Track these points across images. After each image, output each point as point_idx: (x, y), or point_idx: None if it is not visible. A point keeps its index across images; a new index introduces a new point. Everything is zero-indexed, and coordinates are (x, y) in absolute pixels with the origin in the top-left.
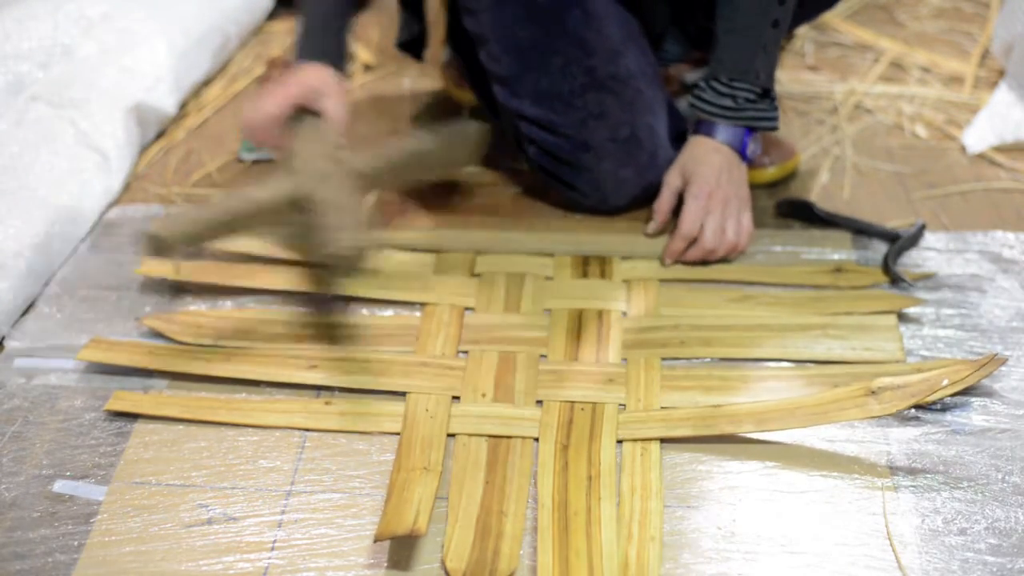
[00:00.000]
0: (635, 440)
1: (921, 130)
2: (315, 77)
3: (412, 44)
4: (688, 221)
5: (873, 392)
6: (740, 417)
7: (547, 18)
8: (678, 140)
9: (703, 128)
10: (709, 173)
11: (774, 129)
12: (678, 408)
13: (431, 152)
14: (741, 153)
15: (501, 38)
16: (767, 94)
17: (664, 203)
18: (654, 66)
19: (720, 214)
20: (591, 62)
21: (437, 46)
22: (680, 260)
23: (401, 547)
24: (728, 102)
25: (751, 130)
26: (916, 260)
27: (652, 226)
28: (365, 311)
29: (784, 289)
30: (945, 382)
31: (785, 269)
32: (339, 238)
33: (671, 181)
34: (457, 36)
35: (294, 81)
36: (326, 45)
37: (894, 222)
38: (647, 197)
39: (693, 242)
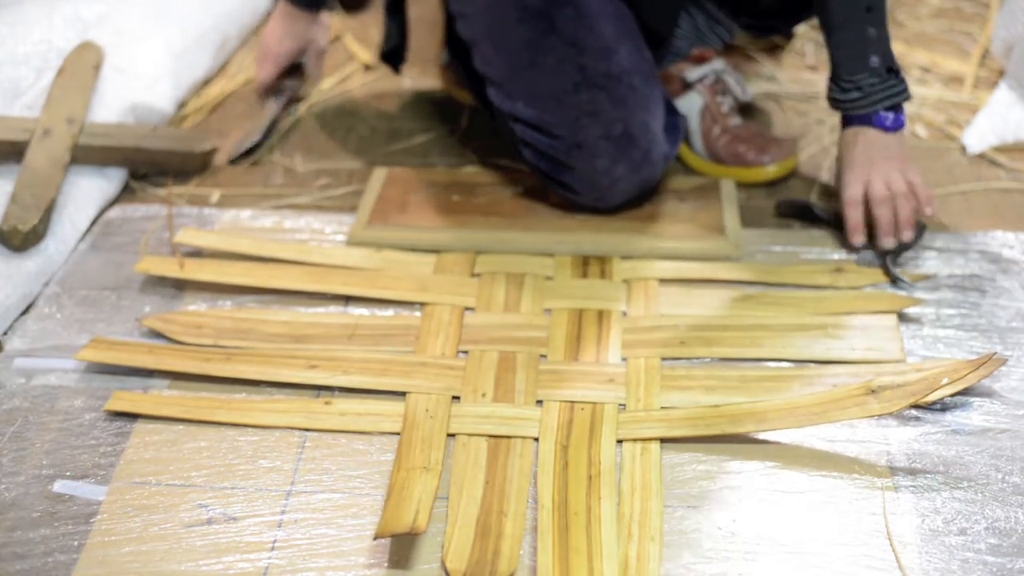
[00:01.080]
0: (635, 440)
1: (921, 130)
2: (301, 35)
3: (392, 55)
4: (870, 203)
5: (873, 391)
6: (740, 417)
7: (538, 18)
8: (672, 134)
9: (847, 124)
10: (862, 162)
11: (906, 99)
12: (678, 408)
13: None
14: (886, 127)
15: (493, 40)
16: (891, 70)
17: (853, 220)
18: (649, 62)
19: (883, 178)
20: (583, 60)
21: (437, 47)
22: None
23: (401, 547)
24: (856, 94)
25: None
26: (916, 260)
27: (858, 238)
28: (365, 311)
29: (784, 289)
30: (945, 381)
31: (785, 269)
32: None
33: (850, 195)
34: (454, 40)
35: (283, 48)
36: None
37: None
38: (644, 194)
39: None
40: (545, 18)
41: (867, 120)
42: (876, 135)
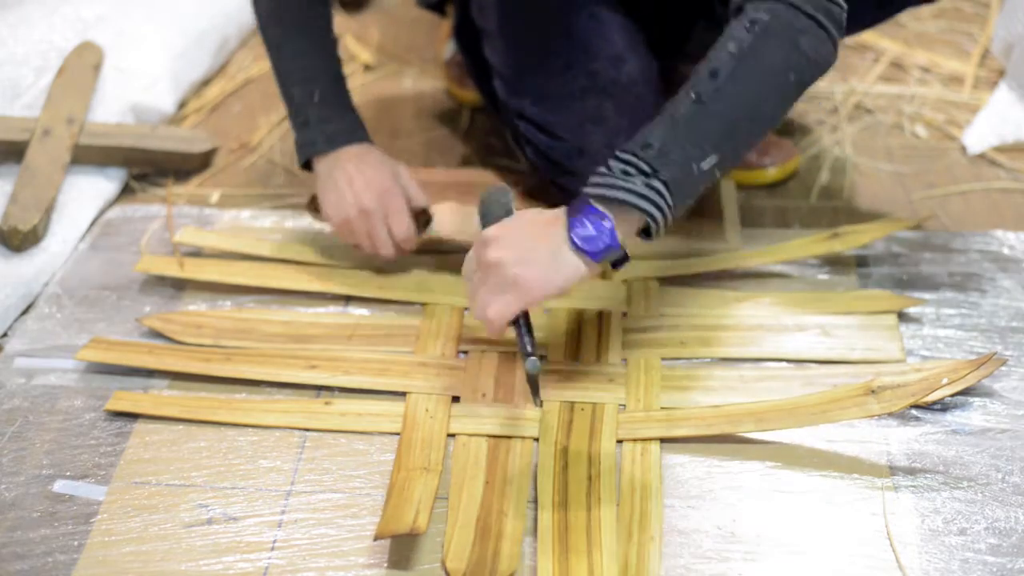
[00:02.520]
0: (635, 440)
1: (921, 130)
2: (383, 180)
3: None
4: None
5: (873, 391)
6: (740, 417)
7: (553, 20)
8: None
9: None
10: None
11: (648, 220)
12: (678, 408)
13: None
14: (575, 237)
15: (506, 35)
16: (655, 174)
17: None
18: (656, 74)
19: (487, 286)
20: (594, 66)
21: (437, 46)
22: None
23: (401, 547)
24: (600, 170)
25: (596, 209)
26: (916, 260)
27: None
28: (365, 311)
29: (784, 289)
30: (945, 381)
31: (783, 246)
32: None
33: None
34: (464, 28)
35: (391, 201)
36: (350, 122)
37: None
38: None
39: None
40: (560, 21)
41: (575, 210)
42: (559, 231)
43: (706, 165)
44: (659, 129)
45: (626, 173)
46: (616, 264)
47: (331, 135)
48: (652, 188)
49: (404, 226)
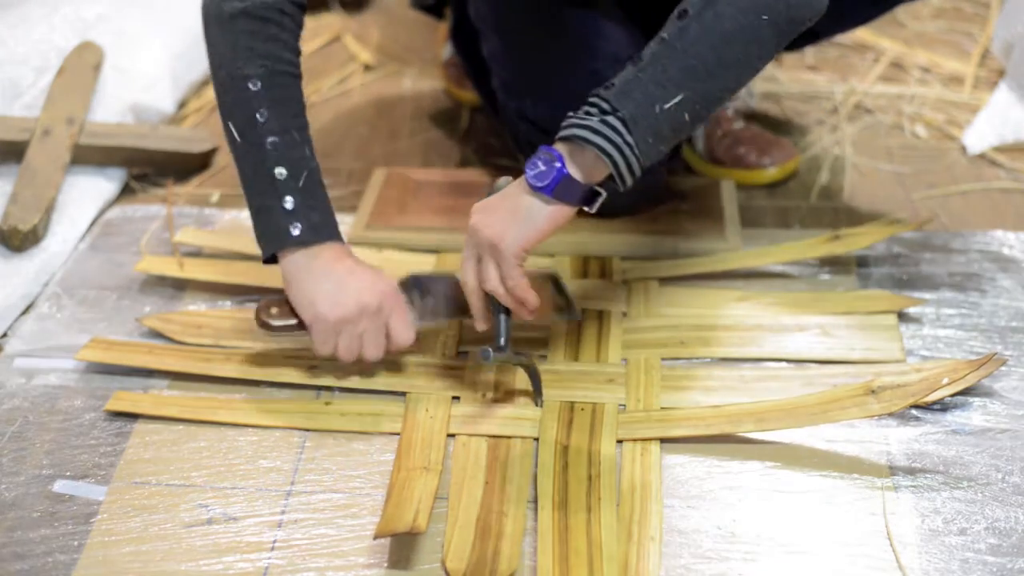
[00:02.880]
0: (635, 440)
1: (921, 130)
2: (384, 279)
3: (436, 2)
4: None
5: (873, 391)
6: (740, 417)
7: (551, 19)
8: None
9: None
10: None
11: (611, 167)
12: (678, 408)
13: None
14: (530, 178)
15: (504, 36)
16: (614, 112)
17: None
18: None
19: (468, 253)
20: (595, 65)
21: (437, 46)
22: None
23: (401, 547)
24: (569, 114)
25: (549, 147)
26: (916, 260)
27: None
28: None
29: (784, 289)
30: (945, 381)
31: (783, 247)
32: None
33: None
34: (461, 30)
35: (374, 313)
36: (332, 216)
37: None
38: (645, 201)
39: None
40: (557, 20)
41: (529, 157)
42: (520, 184)
43: (670, 106)
44: (626, 70)
45: (587, 113)
46: (589, 201)
47: (316, 225)
48: (607, 125)
49: (407, 331)
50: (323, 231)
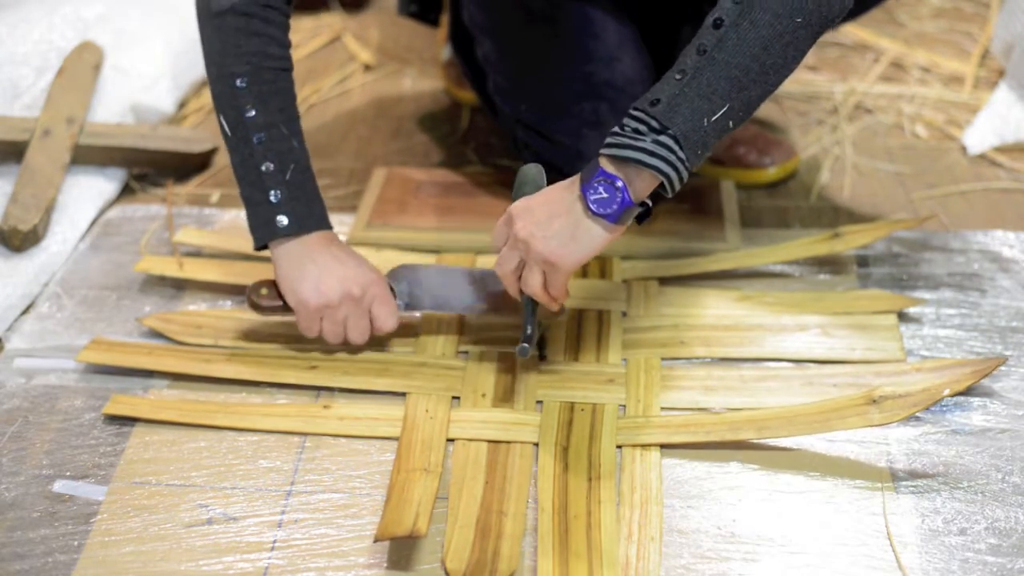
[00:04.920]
0: (635, 446)
1: (921, 130)
2: (367, 268)
3: (421, 9)
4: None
5: (875, 400)
6: (740, 424)
7: (543, 22)
8: None
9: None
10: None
11: (662, 182)
12: (678, 413)
13: None
14: (589, 202)
15: (498, 41)
16: (664, 130)
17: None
18: (651, 71)
19: (515, 259)
20: (588, 68)
21: (437, 46)
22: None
23: (401, 547)
24: (614, 130)
25: (608, 173)
26: (916, 260)
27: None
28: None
29: (784, 289)
30: (946, 392)
31: (784, 246)
32: None
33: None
34: (458, 33)
35: (355, 303)
36: (321, 206)
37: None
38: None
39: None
40: (550, 23)
41: (587, 176)
42: (575, 201)
43: (717, 117)
44: (667, 84)
45: (637, 132)
46: (640, 218)
47: (301, 217)
48: (662, 144)
49: (390, 318)
50: (308, 221)
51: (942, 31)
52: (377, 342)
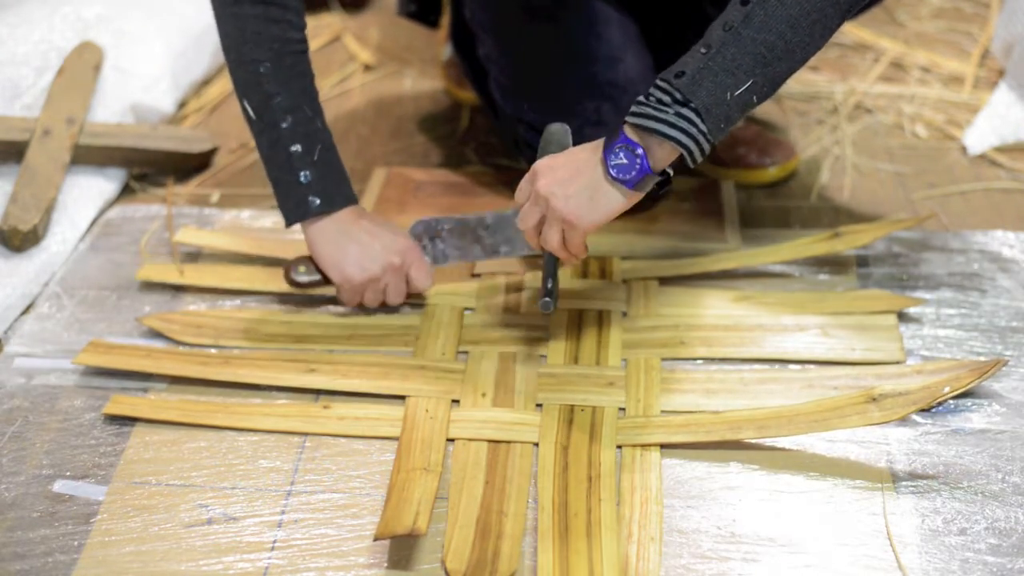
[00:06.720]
0: (635, 446)
1: (921, 130)
2: (400, 236)
3: (420, 9)
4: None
5: (874, 399)
6: (740, 424)
7: (546, 21)
8: None
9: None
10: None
11: (679, 151)
12: (678, 414)
13: None
14: (610, 167)
15: (500, 40)
16: (687, 103)
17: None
18: (654, 71)
19: (538, 215)
20: (592, 68)
21: (437, 46)
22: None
23: (401, 547)
24: (639, 99)
25: (629, 140)
26: (916, 260)
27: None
28: (365, 311)
29: (784, 289)
30: (946, 390)
31: (783, 246)
32: None
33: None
34: (459, 32)
35: (394, 270)
36: (348, 183)
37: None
38: (645, 202)
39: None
40: (553, 21)
41: (610, 141)
42: (596, 165)
43: (741, 92)
44: (693, 57)
45: (660, 102)
46: (660, 186)
47: (331, 195)
48: (683, 117)
49: (426, 279)
50: (338, 199)
51: (942, 31)
52: (378, 342)
